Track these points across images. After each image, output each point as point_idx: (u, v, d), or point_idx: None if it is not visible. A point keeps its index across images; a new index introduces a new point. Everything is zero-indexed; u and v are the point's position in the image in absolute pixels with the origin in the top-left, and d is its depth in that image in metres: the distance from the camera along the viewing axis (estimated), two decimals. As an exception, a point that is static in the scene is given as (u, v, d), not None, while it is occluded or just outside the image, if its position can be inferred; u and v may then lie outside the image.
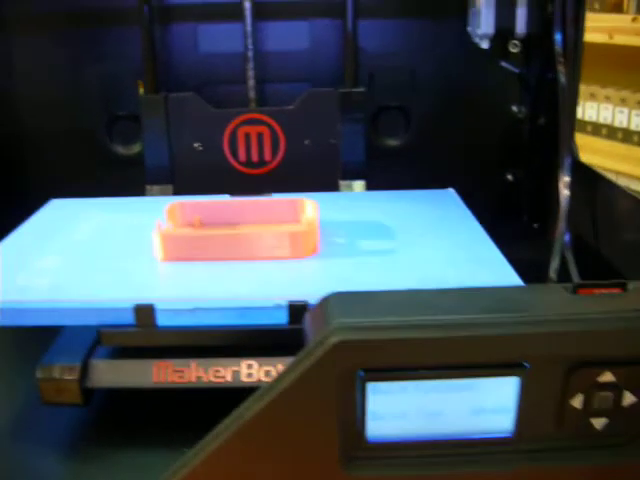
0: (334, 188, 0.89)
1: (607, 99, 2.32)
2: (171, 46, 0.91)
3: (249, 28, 0.87)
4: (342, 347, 0.43)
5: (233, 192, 0.80)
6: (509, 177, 0.95)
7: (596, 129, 2.35)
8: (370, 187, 0.91)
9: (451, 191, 0.82)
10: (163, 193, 0.89)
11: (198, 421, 0.57)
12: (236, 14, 0.88)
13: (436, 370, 0.45)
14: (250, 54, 0.88)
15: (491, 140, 0.95)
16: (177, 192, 0.90)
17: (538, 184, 0.92)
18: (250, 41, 0.88)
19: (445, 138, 0.95)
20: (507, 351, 0.45)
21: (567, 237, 0.76)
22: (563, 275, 0.75)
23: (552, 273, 0.75)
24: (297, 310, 0.55)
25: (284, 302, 0.55)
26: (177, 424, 0.59)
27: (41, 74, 0.93)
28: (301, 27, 0.90)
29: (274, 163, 0.90)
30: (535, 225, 0.95)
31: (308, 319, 0.48)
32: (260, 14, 0.88)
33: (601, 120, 2.34)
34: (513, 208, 0.95)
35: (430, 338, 0.45)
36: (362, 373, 0.44)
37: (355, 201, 0.80)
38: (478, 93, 0.93)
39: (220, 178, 0.89)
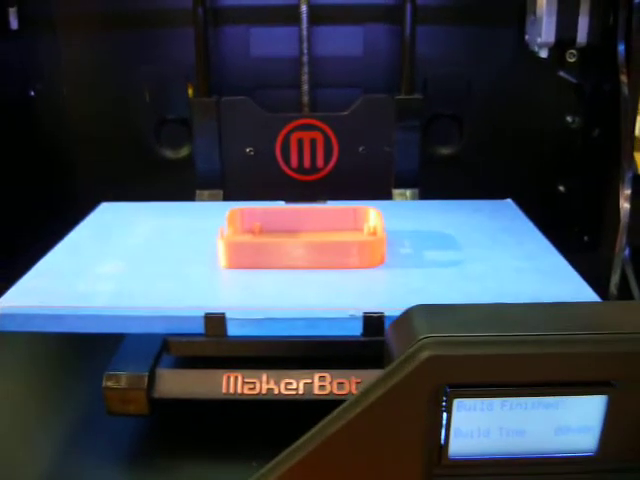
0: (387, 196, 0.88)
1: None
2: (223, 49, 0.90)
3: (305, 32, 0.86)
4: (433, 362, 0.42)
5: (284, 198, 0.79)
6: (561, 188, 0.94)
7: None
8: (420, 195, 0.89)
9: (509, 202, 0.80)
10: (213, 198, 0.88)
11: (264, 433, 0.57)
12: (290, 17, 0.87)
13: (524, 387, 0.44)
14: (305, 58, 0.87)
15: (543, 150, 0.93)
16: (227, 197, 0.89)
17: (591, 196, 0.91)
18: (306, 45, 0.87)
19: (497, 147, 0.93)
20: (596, 369, 0.44)
21: (627, 251, 0.75)
22: (623, 289, 0.74)
23: (613, 288, 0.74)
24: (373, 321, 0.53)
25: (359, 313, 0.54)
26: (241, 436, 0.58)
27: (89, 76, 0.92)
28: (356, 32, 0.89)
29: (326, 170, 0.89)
30: (586, 238, 0.93)
31: (391, 332, 0.47)
32: (315, 18, 0.87)
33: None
34: (563, 219, 0.94)
35: (520, 354, 0.44)
36: (449, 389, 0.43)
37: (412, 210, 0.79)
38: (532, 102, 0.92)
39: (271, 184, 0.88)
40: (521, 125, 0.93)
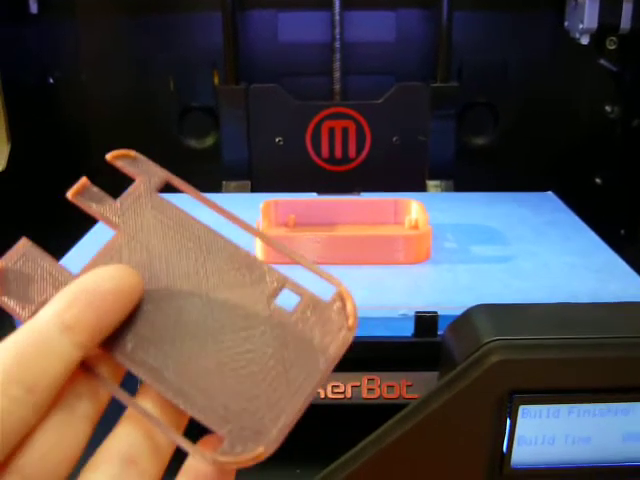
0: (421, 188, 0.85)
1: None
2: (250, 34, 0.87)
3: (337, 17, 0.83)
4: (501, 367, 0.40)
5: (314, 190, 0.76)
6: (598, 180, 0.90)
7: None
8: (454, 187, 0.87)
9: (551, 194, 0.77)
10: (240, 190, 0.85)
11: (309, 439, 0.53)
12: (321, 1, 0.84)
13: (593, 393, 0.42)
14: (337, 44, 0.84)
15: (580, 141, 0.90)
16: (255, 189, 0.86)
17: (629, 188, 0.88)
18: (338, 31, 0.83)
19: (532, 138, 0.90)
20: (669, 373, 0.42)
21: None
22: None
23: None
24: (425, 321, 0.50)
25: (410, 312, 0.51)
26: (284, 442, 0.55)
27: (110, 63, 0.89)
28: (388, 17, 0.86)
29: (359, 160, 0.86)
30: (622, 231, 0.90)
31: (451, 333, 0.45)
32: (346, 2, 0.84)
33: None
34: (599, 212, 0.91)
35: (591, 358, 0.41)
36: (515, 395, 0.41)
37: (450, 202, 0.76)
38: (570, 91, 0.89)
39: (301, 175, 0.85)
40: (558, 114, 0.90)
